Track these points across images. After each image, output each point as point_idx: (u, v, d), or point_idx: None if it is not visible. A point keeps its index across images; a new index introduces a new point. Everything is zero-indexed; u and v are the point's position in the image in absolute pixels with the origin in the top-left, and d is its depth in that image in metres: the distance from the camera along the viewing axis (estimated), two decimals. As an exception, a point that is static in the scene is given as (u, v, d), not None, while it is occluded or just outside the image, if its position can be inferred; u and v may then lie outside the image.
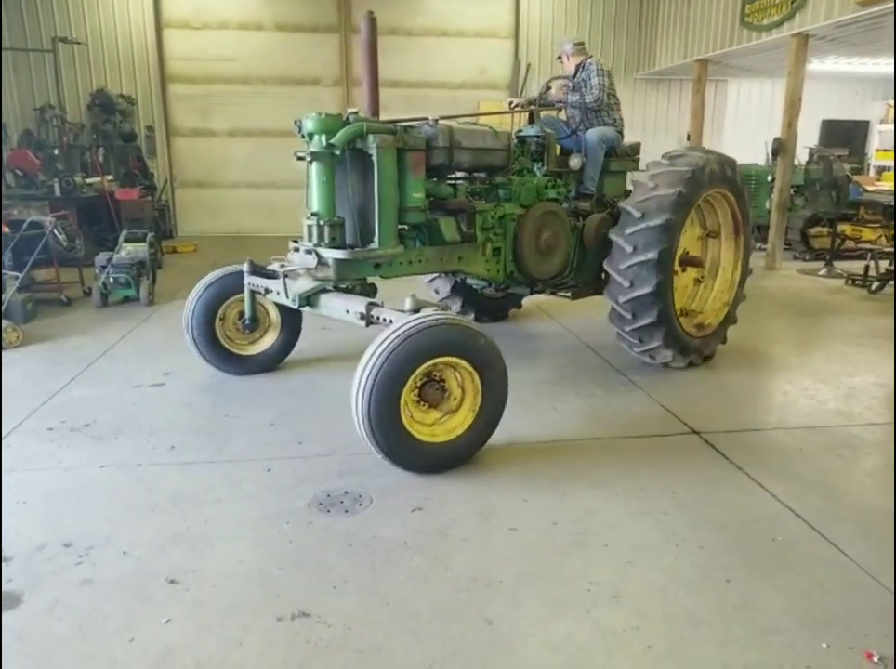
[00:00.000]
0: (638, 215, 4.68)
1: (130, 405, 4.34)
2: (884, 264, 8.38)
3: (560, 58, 5.81)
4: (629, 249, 4.68)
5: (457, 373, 3.47)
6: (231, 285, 4.68)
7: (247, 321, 4.71)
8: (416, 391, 3.39)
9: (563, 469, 3.50)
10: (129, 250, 7.20)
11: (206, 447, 3.72)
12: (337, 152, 3.92)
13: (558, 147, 5.42)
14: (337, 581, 2.57)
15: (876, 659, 2.19)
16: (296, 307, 4.13)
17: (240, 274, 4.61)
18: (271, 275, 4.41)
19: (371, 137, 3.96)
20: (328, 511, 3.06)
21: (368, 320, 3.75)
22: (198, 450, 3.69)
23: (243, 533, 2.89)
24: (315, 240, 4.03)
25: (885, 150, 15.08)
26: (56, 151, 10.82)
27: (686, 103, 12.45)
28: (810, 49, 9.25)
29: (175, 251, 10.82)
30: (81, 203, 9.63)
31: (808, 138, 13.67)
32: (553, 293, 5.60)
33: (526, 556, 2.75)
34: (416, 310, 3.45)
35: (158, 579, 2.57)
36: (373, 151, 3.98)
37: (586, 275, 5.40)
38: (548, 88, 5.69)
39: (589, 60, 5.55)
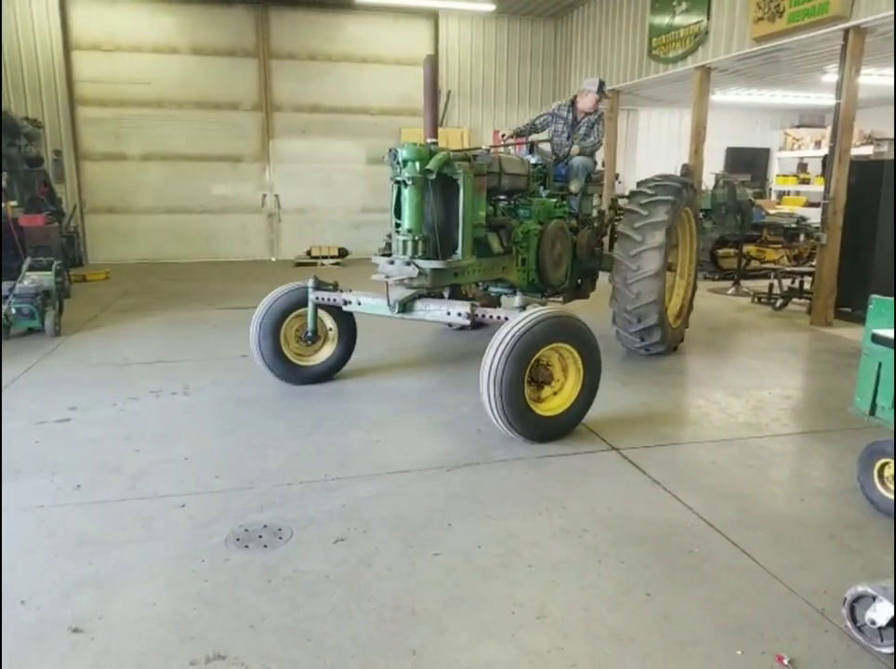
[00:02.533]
0: (639, 238, 5.65)
1: (32, 443, 4.08)
2: (786, 282, 8.90)
3: (586, 92, 6.50)
4: (634, 267, 5.66)
5: (561, 357, 4.13)
6: (294, 301, 5.04)
7: (309, 334, 5.06)
8: (527, 374, 3.93)
9: (487, 491, 3.51)
10: (33, 279, 6.81)
11: (115, 485, 3.53)
12: (432, 177, 4.46)
13: None
14: (255, 619, 2.47)
15: (786, 661, 2.27)
16: (393, 313, 4.58)
17: (300, 291, 5.00)
18: (333, 290, 4.95)
19: (456, 164, 4.57)
20: (246, 547, 2.95)
21: (473, 318, 4.32)
22: (106, 488, 3.49)
23: (155, 575, 2.74)
24: (410, 253, 4.53)
25: (784, 176, 16.08)
26: (-47, 176, 10.18)
27: (600, 131, 12.94)
28: (712, 81, 9.83)
29: (84, 279, 10.33)
30: (-20, 230, 9.08)
31: (713, 165, 14.44)
32: (547, 297, 6.17)
33: (451, 581, 2.72)
34: (523, 307, 4.08)
35: (60, 629, 2.40)
36: (458, 176, 4.59)
37: (573, 281, 6.39)
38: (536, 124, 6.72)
39: (603, 111, 6.52)
